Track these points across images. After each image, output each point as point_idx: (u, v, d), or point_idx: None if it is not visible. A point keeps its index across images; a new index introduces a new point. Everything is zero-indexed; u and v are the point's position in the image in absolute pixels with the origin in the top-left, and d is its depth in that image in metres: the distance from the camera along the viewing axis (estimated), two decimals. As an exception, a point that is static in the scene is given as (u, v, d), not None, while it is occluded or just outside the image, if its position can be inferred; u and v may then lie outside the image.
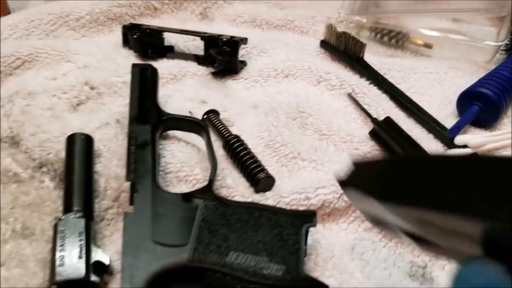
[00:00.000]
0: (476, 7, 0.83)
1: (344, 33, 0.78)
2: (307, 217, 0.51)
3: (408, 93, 0.73)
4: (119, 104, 0.69)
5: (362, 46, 0.76)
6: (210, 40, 0.75)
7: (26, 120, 0.65)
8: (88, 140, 0.60)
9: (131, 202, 0.53)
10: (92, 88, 0.71)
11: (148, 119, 0.59)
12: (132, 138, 0.56)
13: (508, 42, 0.81)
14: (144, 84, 0.62)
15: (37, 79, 0.72)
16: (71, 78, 0.72)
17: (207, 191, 0.53)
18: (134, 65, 0.64)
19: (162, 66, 0.75)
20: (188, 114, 0.67)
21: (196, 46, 0.82)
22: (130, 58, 0.78)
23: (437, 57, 0.83)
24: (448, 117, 0.71)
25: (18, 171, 0.59)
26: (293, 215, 0.51)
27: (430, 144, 0.66)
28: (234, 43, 0.74)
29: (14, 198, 0.56)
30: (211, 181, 0.55)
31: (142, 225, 0.48)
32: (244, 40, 0.76)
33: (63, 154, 0.61)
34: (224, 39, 0.74)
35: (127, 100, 0.69)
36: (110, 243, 0.54)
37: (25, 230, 0.53)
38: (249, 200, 0.56)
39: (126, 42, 0.82)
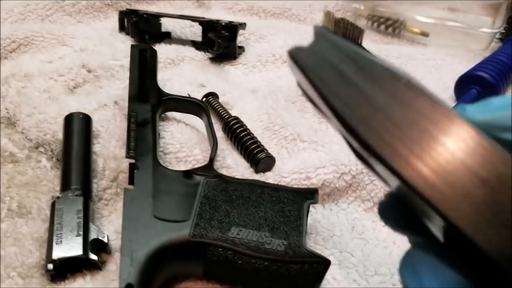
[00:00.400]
0: (472, -5, 0.83)
1: (342, 19, 0.78)
2: (309, 194, 0.51)
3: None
4: (117, 87, 0.69)
5: (360, 32, 0.76)
6: (209, 25, 0.75)
7: (22, 102, 0.64)
8: (86, 120, 0.59)
9: (131, 181, 0.52)
10: (89, 71, 0.70)
11: (148, 98, 0.58)
12: (132, 116, 0.55)
13: (504, 30, 0.81)
14: (144, 64, 0.62)
15: (33, 62, 0.72)
16: (68, 61, 0.71)
17: (208, 168, 0.53)
18: (133, 46, 0.64)
19: (160, 51, 0.74)
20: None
21: (194, 32, 0.81)
22: (127, 42, 0.77)
23: (434, 45, 0.83)
24: (446, 102, 0.71)
25: (14, 151, 0.58)
26: (295, 192, 0.51)
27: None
28: (233, 28, 0.74)
29: (10, 177, 0.55)
30: (212, 159, 0.54)
31: (143, 201, 0.48)
32: (243, 25, 0.75)
33: (60, 135, 0.60)
34: (223, 24, 0.74)
35: (124, 84, 0.69)
36: (108, 223, 0.54)
37: (22, 209, 0.52)
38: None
39: (122, 28, 0.81)
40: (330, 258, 0.51)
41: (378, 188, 0.57)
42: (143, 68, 0.61)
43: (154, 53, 0.65)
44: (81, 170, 0.54)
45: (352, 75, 0.24)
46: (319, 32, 0.27)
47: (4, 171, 0.56)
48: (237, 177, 0.56)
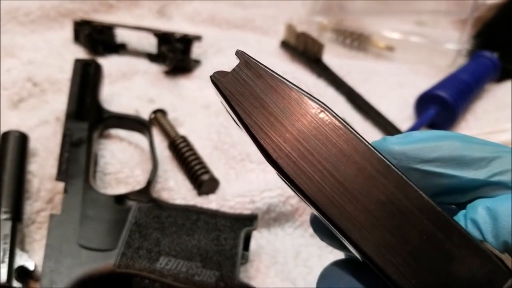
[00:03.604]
0: (438, 9, 0.81)
1: (303, 33, 0.76)
2: (248, 221, 0.49)
3: (366, 95, 0.71)
4: (62, 101, 0.65)
5: (320, 47, 0.74)
6: (163, 37, 0.73)
7: (-39, 117, 0.61)
8: (22, 139, 0.56)
9: None
10: (35, 85, 0.67)
11: (86, 116, 0.56)
12: (67, 135, 0.53)
13: (469, 46, 0.80)
14: (86, 79, 0.59)
15: (-22, 75, 0.69)
16: (14, 73, 0.68)
17: (143, 192, 0.50)
18: (76, 61, 0.61)
19: (112, 62, 0.72)
20: (134, 113, 0.64)
21: (151, 44, 0.79)
22: (78, 55, 0.75)
23: (399, 60, 0.81)
24: (405, 120, 0.69)
25: None
26: (233, 218, 0.48)
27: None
28: (188, 41, 0.71)
29: None
30: (150, 182, 0.52)
31: (69, 228, 0.45)
32: (198, 38, 0.73)
33: (-4, 152, 0.57)
34: (177, 37, 0.72)
35: None
36: (40, 248, 0.51)
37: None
38: (191, 203, 0.54)
39: (77, 39, 0.78)
40: (271, 287, 0.49)
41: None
42: (84, 83, 0.59)
43: (98, 68, 0.62)
44: (12, 191, 0.51)
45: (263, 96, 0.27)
46: (243, 57, 0.29)
47: None
48: (177, 201, 0.54)
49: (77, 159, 0.51)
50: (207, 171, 0.56)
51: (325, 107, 0.26)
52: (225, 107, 0.30)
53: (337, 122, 0.26)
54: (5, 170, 0.53)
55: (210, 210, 0.49)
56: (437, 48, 0.80)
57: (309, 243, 0.53)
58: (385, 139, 0.28)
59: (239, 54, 0.29)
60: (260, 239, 0.53)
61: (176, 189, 0.55)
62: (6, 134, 0.56)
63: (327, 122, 0.26)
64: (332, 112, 0.26)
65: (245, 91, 0.28)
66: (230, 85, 0.28)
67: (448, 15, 0.82)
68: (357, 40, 0.84)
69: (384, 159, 0.25)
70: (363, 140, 0.25)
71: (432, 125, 0.66)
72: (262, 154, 0.27)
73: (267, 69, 0.28)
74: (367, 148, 0.25)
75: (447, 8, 0.80)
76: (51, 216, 0.46)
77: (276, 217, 0.55)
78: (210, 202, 0.54)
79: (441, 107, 0.66)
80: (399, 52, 0.82)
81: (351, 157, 0.25)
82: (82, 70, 0.60)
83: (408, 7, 0.83)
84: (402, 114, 0.70)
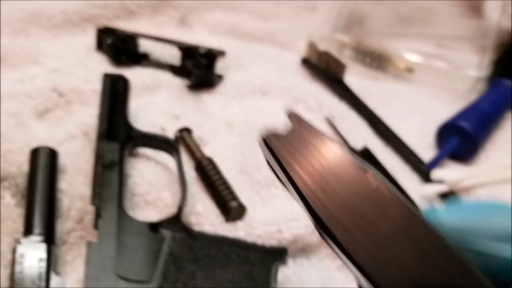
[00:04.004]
0: (459, 34, 0.82)
1: (325, 52, 0.76)
2: (278, 255, 0.49)
3: (387, 119, 0.72)
4: (88, 114, 0.66)
5: (342, 68, 0.74)
6: (188, 51, 0.73)
7: (-12, 128, 0.61)
8: (52, 155, 0.56)
9: (96, 225, 0.50)
10: (60, 95, 0.67)
11: (117, 136, 0.56)
12: (99, 157, 0.53)
13: (489, 73, 0.80)
14: (115, 96, 0.59)
15: (4, 81, 0.68)
16: (39, 82, 0.68)
17: (176, 220, 0.51)
18: (105, 76, 0.61)
19: (136, 74, 0.72)
20: (160, 131, 0.64)
21: (172, 55, 0.78)
22: (102, 64, 0.75)
23: (418, 82, 0.82)
24: (426, 148, 0.70)
25: (-23, 185, 0.56)
26: (264, 251, 0.49)
27: (407, 178, 0.64)
28: (212, 56, 0.71)
29: (-29, 214, 0.53)
30: (180, 209, 0.52)
31: (106, 256, 0.46)
32: (222, 53, 0.73)
33: (26, 167, 0.57)
34: (202, 52, 0.72)
35: (97, 110, 0.66)
36: (72, 270, 0.51)
37: (-18, 252, 0.50)
38: (219, 229, 0.54)
39: (100, 46, 0.78)
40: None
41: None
42: (114, 100, 0.59)
43: (126, 84, 0.62)
44: (44, 212, 0.51)
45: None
46: (298, 121, 0.29)
47: (-36, 206, 0.53)
48: (205, 227, 0.54)
49: (110, 182, 0.51)
50: (234, 197, 0.56)
51: (383, 179, 0.26)
52: (271, 167, 0.30)
53: (394, 197, 0.26)
54: (37, 189, 0.53)
55: (240, 242, 0.50)
56: (456, 72, 0.80)
57: (335, 276, 0.54)
58: (434, 210, 0.28)
59: (293, 116, 0.29)
60: (286, 269, 0.54)
61: (203, 213, 0.56)
62: (36, 151, 0.56)
63: (384, 194, 0.26)
64: (389, 185, 0.26)
65: (301, 157, 0.27)
66: (285, 150, 0.28)
67: (469, 41, 0.82)
68: (376, 60, 0.84)
69: (443, 240, 0.25)
70: (422, 219, 0.25)
71: (453, 156, 0.67)
72: (314, 221, 0.26)
73: (321, 134, 0.28)
74: (426, 227, 0.25)
75: (469, 34, 0.81)
76: (89, 244, 0.47)
77: (302, 248, 0.55)
78: (238, 229, 0.54)
79: (463, 137, 0.67)
80: (419, 74, 0.83)
81: (407, 231, 0.25)
82: (111, 86, 0.60)
83: (429, 30, 0.84)
84: (422, 141, 0.71)
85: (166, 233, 0.49)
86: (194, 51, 0.72)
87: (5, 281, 0.49)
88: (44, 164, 0.55)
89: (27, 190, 0.54)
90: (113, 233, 0.47)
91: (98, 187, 0.51)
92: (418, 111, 0.76)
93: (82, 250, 0.52)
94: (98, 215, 0.49)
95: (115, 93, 0.59)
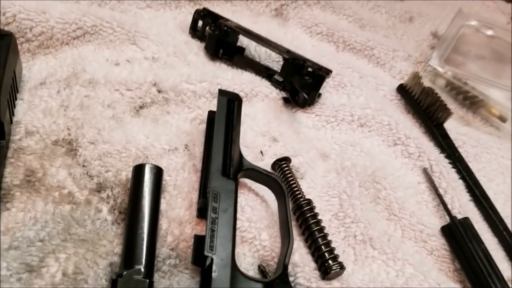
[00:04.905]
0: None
1: (432, 90, 0.72)
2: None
3: (477, 175, 0.69)
4: (185, 117, 0.62)
5: (448, 114, 0.71)
6: (293, 64, 0.68)
7: (86, 120, 0.57)
8: (158, 175, 0.53)
9: (195, 260, 0.48)
10: (159, 91, 0.63)
11: (231, 171, 0.53)
12: (215, 198, 0.50)
13: None
14: (230, 121, 0.55)
15: (97, 59, 0.64)
16: (138, 72, 0.63)
17: (284, 282, 0.49)
18: (221, 94, 0.57)
19: (235, 79, 0.67)
20: (259, 154, 0.61)
21: (268, 54, 0.74)
22: (200, 55, 0.70)
23: (507, 133, 0.79)
24: (512, 218, 0.68)
25: (73, 190, 0.53)
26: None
27: (497, 259, 0.62)
28: (319, 78, 0.67)
29: (67, 226, 0.50)
30: (286, 266, 0.50)
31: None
32: (329, 74, 0.69)
33: (123, 175, 0.55)
34: (309, 69, 0.67)
35: (193, 113, 0.63)
36: (163, 302, 0.50)
37: (77, 274, 0.48)
38: (313, 285, 0.53)
39: (194, 28, 0.73)
40: None
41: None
42: (230, 127, 0.55)
43: (240, 104, 0.58)
44: (148, 245, 0.49)
45: None
46: None
47: (60, 214, 0.51)
48: (299, 280, 0.53)
49: (224, 228, 0.49)
50: (335, 256, 0.54)
51: None
52: None
53: None
54: (140, 216, 0.50)
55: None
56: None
57: None
58: None
59: None
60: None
61: (301, 265, 0.54)
62: (141, 168, 0.53)
63: None
64: None
65: None
66: None
67: None
68: (470, 100, 0.81)
69: None
70: None
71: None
72: None
73: None
74: None
75: None
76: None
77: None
78: (332, 289, 0.53)
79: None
80: (510, 124, 0.80)
81: None
82: (227, 107, 0.56)
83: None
84: (510, 211, 0.69)
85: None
86: (301, 67, 0.67)
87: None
88: (150, 186, 0.52)
89: (129, 213, 0.51)
90: (226, 293, 0.45)
91: (211, 233, 0.48)
92: (508, 173, 0.73)
93: (175, 279, 0.51)
94: (210, 269, 0.46)
95: (231, 117, 0.55)
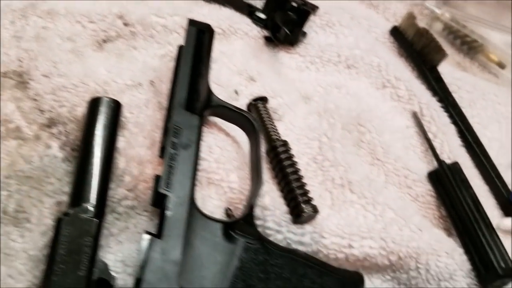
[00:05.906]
0: None
1: (427, 32, 0.67)
2: (354, 285, 0.44)
3: (471, 121, 0.64)
4: (154, 53, 0.57)
5: (443, 56, 0.65)
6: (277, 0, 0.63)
7: (41, 52, 0.53)
8: (116, 109, 0.49)
9: (154, 202, 0.44)
10: (125, 24, 0.58)
11: (197, 106, 0.48)
12: (176, 133, 0.45)
13: None
14: (199, 54, 0.50)
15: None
16: (102, 3, 0.58)
17: (249, 223, 0.45)
18: (191, 23, 0.52)
19: (212, 14, 0.62)
20: (234, 94, 0.56)
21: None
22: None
23: (506, 80, 0.73)
24: (508, 167, 0.63)
25: (21, 124, 0.48)
26: (340, 281, 0.44)
27: (488, 203, 0.58)
28: (304, 13, 0.62)
29: (12, 162, 0.46)
30: (252, 208, 0.46)
31: (169, 262, 0.39)
32: (315, 10, 0.63)
33: (79, 111, 0.50)
34: (294, 4, 0.61)
35: (163, 50, 0.58)
36: (116, 244, 0.46)
37: (19, 213, 0.44)
38: (283, 229, 0.48)
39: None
40: None
41: (421, 277, 0.50)
42: (199, 59, 0.50)
43: (211, 36, 0.53)
44: (99, 182, 0.45)
45: None
46: None
47: (6, 150, 0.46)
48: (269, 223, 0.48)
49: (184, 165, 0.44)
50: (309, 199, 0.50)
51: None
52: None
53: None
54: (93, 151, 0.46)
55: (316, 264, 0.45)
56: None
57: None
58: None
59: None
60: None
61: (271, 209, 0.49)
62: (97, 101, 0.48)
63: None
64: None
65: None
66: None
67: None
68: (468, 45, 0.75)
69: None
70: None
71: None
72: None
73: None
74: None
75: None
76: (152, 241, 0.40)
77: (369, 266, 0.50)
78: (304, 235, 0.49)
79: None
80: (508, 71, 0.74)
81: None
82: (196, 38, 0.51)
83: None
84: (504, 158, 0.64)
85: (238, 240, 0.43)
86: (285, 1, 0.62)
87: (41, 252, 0.43)
88: (105, 120, 0.47)
89: (81, 149, 0.46)
90: (181, 233, 0.41)
91: (168, 170, 0.43)
92: (505, 120, 0.68)
93: (131, 222, 0.48)
94: (164, 206, 0.42)
95: (200, 49, 0.50)
